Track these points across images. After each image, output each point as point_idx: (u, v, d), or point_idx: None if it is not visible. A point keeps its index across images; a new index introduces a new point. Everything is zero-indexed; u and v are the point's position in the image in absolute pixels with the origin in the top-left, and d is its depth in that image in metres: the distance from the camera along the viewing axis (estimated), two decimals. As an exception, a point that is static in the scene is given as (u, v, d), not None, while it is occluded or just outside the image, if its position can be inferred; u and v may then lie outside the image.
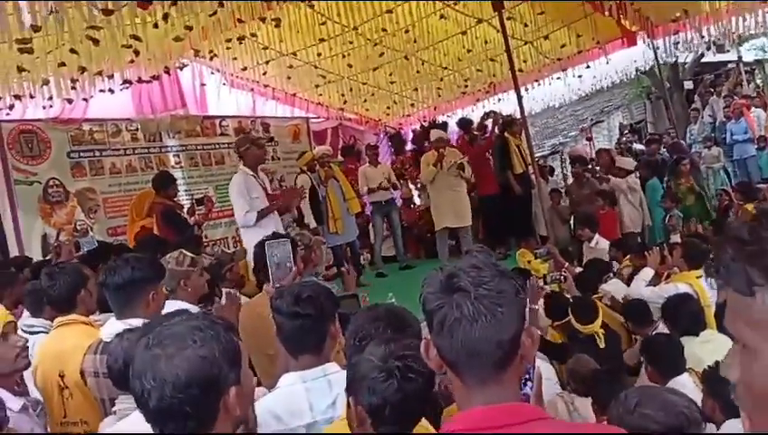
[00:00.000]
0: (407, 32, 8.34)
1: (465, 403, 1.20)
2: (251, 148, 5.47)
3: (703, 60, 15.69)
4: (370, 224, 8.77)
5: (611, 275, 5.66)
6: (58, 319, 2.99)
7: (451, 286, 1.16)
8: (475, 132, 9.17)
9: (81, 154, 7.64)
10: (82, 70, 6.08)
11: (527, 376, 1.32)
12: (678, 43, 9.05)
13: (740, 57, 15.73)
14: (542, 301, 4.57)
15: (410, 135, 11.43)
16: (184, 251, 3.24)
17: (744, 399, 0.77)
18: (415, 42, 8.68)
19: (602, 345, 4.10)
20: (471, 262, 1.20)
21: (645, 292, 4.72)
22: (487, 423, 1.14)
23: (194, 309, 2.76)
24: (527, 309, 1.22)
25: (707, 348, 3.49)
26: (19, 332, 3.39)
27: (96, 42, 5.24)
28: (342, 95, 10.11)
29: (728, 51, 15.59)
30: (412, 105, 11.15)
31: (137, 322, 2.43)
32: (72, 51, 5.33)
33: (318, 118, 10.68)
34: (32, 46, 4.89)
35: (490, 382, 1.17)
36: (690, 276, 4.60)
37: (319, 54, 8.59)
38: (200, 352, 1.29)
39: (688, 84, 15.89)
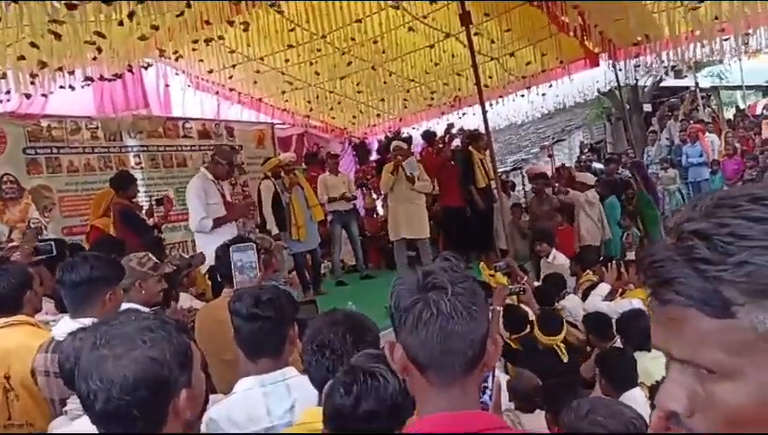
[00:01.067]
0: (375, 42, 8.38)
1: (426, 406, 1.20)
2: (224, 166, 5.45)
3: (662, 84, 16.14)
4: (330, 233, 8.75)
5: (568, 291, 5.77)
6: (2, 320, 2.91)
7: (427, 284, 1.18)
8: (440, 145, 9.26)
9: (38, 150, 7.44)
10: (43, 64, 5.94)
11: (485, 385, 1.33)
12: (639, 66, 9.30)
13: (697, 83, 16.23)
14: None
15: (375, 145, 11.46)
16: (150, 254, 3.19)
17: (705, 428, 0.71)
18: (383, 53, 8.73)
19: (565, 359, 4.16)
20: (443, 265, 1.22)
21: (601, 306, 4.81)
22: (453, 428, 1.14)
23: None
24: (491, 314, 1.24)
25: (658, 363, 3.56)
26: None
27: (58, 36, 5.14)
28: (308, 102, 10.08)
29: (686, 76, 16.09)
30: (378, 116, 11.18)
31: (91, 321, 2.38)
32: (33, 44, 5.20)
33: (283, 124, 10.63)
34: (-10, 37, 4.78)
35: (455, 385, 1.17)
36: (644, 292, 4.69)
37: (286, 60, 8.57)
38: (150, 353, 1.26)
39: (647, 107, 16.32)
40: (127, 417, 1.23)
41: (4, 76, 6.02)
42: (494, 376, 1.34)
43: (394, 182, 7.70)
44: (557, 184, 8.97)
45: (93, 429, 1.33)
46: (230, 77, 8.82)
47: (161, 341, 1.28)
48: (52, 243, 5.02)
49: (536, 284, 5.97)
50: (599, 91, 11.35)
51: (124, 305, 2.66)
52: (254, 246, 3.03)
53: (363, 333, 1.79)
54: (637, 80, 12.44)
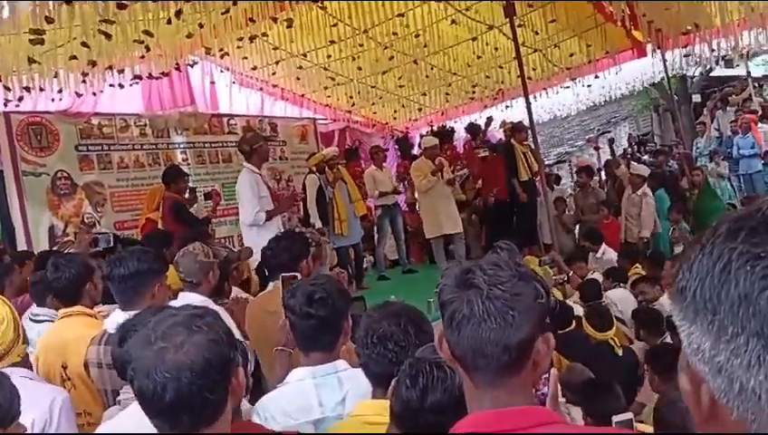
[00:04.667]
0: (417, 36, 8.34)
1: (474, 404, 1.17)
2: (264, 145, 5.49)
3: (711, 74, 15.68)
4: (375, 227, 8.76)
5: (621, 284, 5.66)
6: (62, 310, 3.00)
7: (465, 282, 1.13)
8: (478, 139, 9.24)
9: (90, 148, 7.63)
10: (93, 64, 6.09)
11: (546, 376, 1.29)
12: (688, 56, 9.04)
13: (749, 72, 15.71)
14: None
15: (418, 139, 11.43)
16: (202, 244, 3.23)
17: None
18: (425, 46, 8.69)
19: (620, 353, 4.10)
20: (492, 259, 1.17)
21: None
22: (497, 426, 1.10)
23: (210, 303, 2.76)
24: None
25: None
26: (26, 321, 3.42)
27: (108, 36, 5.26)
28: (351, 97, 10.11)
29: (737, 65, 15.58)
30: (420, 109, 11.16)
31: (144, 314, 2.43)
32: (84, 44, 5.34)
33: (326, 119, 10.70)
34: (44, 38, 4.90)
35: (498, 385, 1.13)
36: None
37: (329, 56, 8.60)
38: (209, 337, 1.28)
39: (696, 97, 15.88)
40: (199, 402, 1.26)
41: (57, 75, 6.19)
42: (551, 367, 1.29)
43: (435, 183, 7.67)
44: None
45: (142, 415, 1.35)
46: (273, 73, 8.92)
47: (212, 324, 1.32)
48: (111, 234, 5.18)
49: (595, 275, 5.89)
50: (646, 81, 11.10)
51: (192, 298, 2.70)
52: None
53: (423, 324, 1.78)
54: (685, 70, 12.10)
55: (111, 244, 5.10)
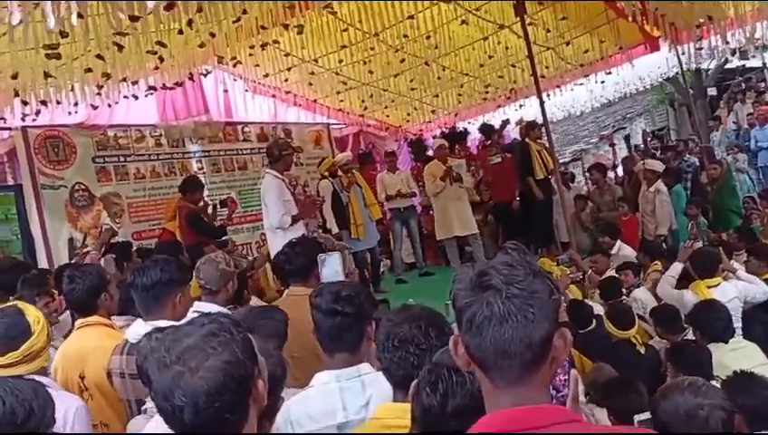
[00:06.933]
0: (428, 38, 8.32)
1: (493, 404, 1.18)
2: (291, 155, 5.56)
3: (727, 66, 15.51)
4: (390, 230, 8.77)
5: (641, 282, 5.62)
6: (79, 320, 3.01)
7: (482, 284, 1.14)
8: (491, 140, 9.21)
9: (106, 159, 7.73)
10: (108, 76, 6.15)
11: (566, 377, 1.29)
12: (702, 49, 8.94)
13: (764, 63, 15.53)
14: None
15: (431, 141, 11.41)
16: (224, 253, 3.25)
17: None
18: (436, 48, 8.66)
19: (642, 351, 4.06)
20: (504, 259, 1.18)
21: (672, 294, 4.66)
22: (516, 425, 1.11)
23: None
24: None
25: (736, 355, 3.44)
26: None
27: (121, 48, 5.31)
28: (363, 101, 10.12)
29: (753, 57, 15.42)
30: (433, 112, 11.13)
31: (163, 323, 2.44)
32: (99, 57, 5.39)
33: (339, 124, 10.71)
34: (59, 52, 4.95)
35: (519, 384, 1.14)
36: (700, 286, 4.53)
37: (340, 61, 8.61)
38: (223, 358, 1.27)
39: (712, 91, 15.72)
40: (218, 421, 1.26)
41: (72, 89, 6.25)
42: (570, 367, 1.29)
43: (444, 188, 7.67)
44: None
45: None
46: (286, 80, 8.95)
47: (229, 342, 1.29)
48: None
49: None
50: (661, 76, 11.01)
51: (207, 308, 2.70)
52: (339, 254, 3.02)
53: (443, 326, 1.78)
54: (700, 63, 11.99)
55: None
